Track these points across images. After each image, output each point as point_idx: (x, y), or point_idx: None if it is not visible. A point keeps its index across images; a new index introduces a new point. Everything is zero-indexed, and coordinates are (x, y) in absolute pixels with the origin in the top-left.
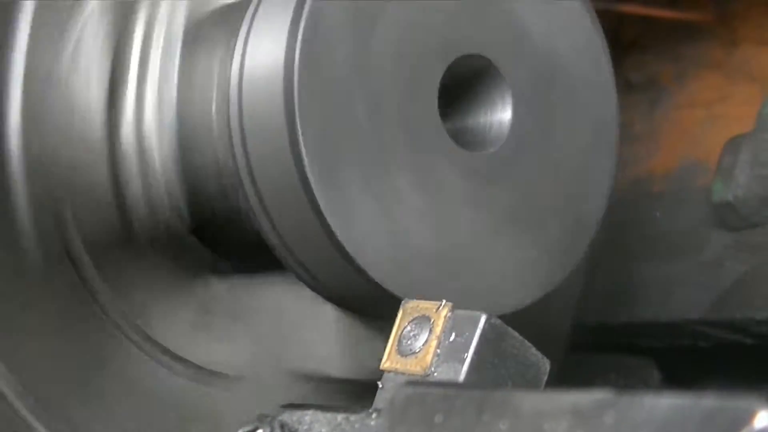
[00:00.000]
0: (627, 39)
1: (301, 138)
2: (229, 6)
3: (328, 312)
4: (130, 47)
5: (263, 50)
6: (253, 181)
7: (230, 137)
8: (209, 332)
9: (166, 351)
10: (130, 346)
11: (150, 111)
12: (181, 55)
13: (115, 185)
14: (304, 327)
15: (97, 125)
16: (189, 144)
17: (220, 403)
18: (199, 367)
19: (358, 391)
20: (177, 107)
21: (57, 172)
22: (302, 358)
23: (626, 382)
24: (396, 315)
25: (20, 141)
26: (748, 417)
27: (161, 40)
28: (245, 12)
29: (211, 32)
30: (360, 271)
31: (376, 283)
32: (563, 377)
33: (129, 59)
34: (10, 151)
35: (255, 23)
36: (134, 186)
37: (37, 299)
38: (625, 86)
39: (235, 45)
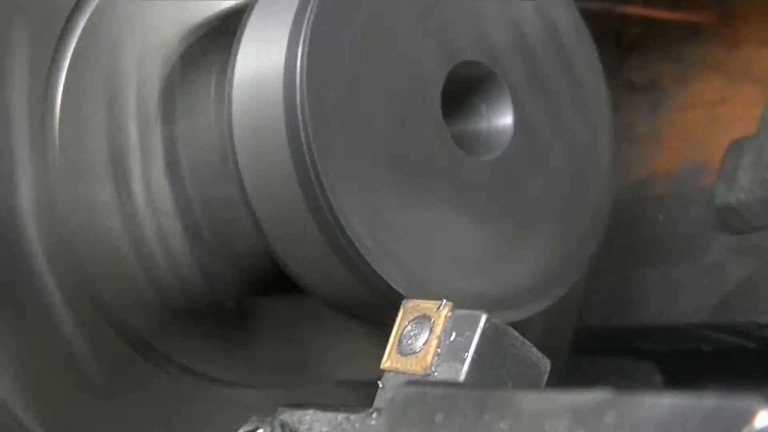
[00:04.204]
0: (629, 40)
1: (310, 150)
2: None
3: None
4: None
5: (262, 67)
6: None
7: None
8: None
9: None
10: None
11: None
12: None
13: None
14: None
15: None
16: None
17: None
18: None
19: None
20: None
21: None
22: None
23: (628, 385)
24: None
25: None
26: (749, 417)
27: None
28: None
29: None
30: (381, 281)
31: (397, 291)
32: (565, 381)
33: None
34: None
35: (252, 24)
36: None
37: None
38: (627, 87)
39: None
